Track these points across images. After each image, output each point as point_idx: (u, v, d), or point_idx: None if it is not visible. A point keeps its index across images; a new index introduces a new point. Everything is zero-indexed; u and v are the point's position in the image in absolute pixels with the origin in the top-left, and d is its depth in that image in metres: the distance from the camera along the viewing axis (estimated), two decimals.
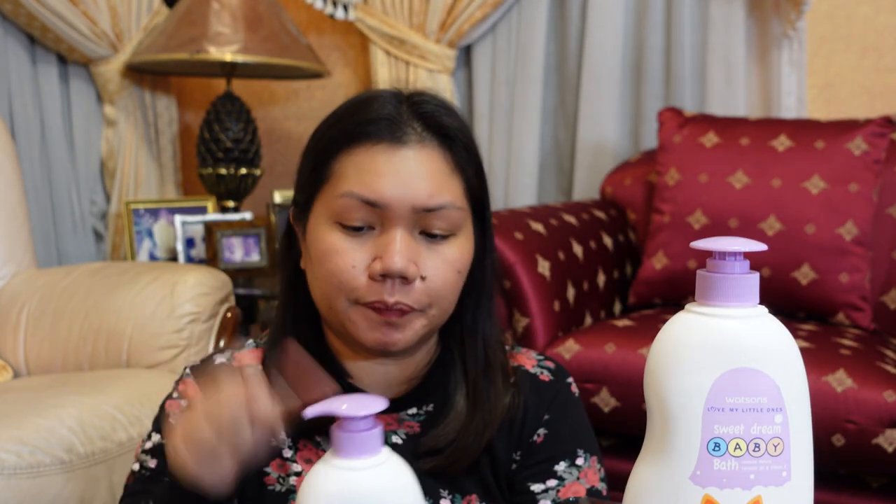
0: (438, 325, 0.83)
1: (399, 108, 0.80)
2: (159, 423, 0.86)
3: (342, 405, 0.58)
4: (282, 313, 0.88)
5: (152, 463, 0.84)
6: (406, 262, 0.76)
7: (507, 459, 0.87)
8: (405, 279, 0.76)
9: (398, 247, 0.76)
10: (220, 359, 0.89)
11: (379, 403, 0.58)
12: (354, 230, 0.78)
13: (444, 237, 0.79)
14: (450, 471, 0.84)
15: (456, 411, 0.84)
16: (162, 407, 0.88)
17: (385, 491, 0.58)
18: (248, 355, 0.89)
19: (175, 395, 0.88)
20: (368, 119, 0.79)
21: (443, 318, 0.82)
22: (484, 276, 0.86)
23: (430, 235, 0.78)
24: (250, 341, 0.92)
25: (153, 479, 0.83)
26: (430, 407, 0.87)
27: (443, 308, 0.80)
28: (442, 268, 0.78)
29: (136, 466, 0.86)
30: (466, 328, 0.86)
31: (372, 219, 0.77)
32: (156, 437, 0.86)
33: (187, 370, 0.90)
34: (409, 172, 0.77)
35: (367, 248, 0.77)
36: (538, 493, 0.85)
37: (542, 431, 0.87)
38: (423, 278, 0.77)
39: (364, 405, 0.58)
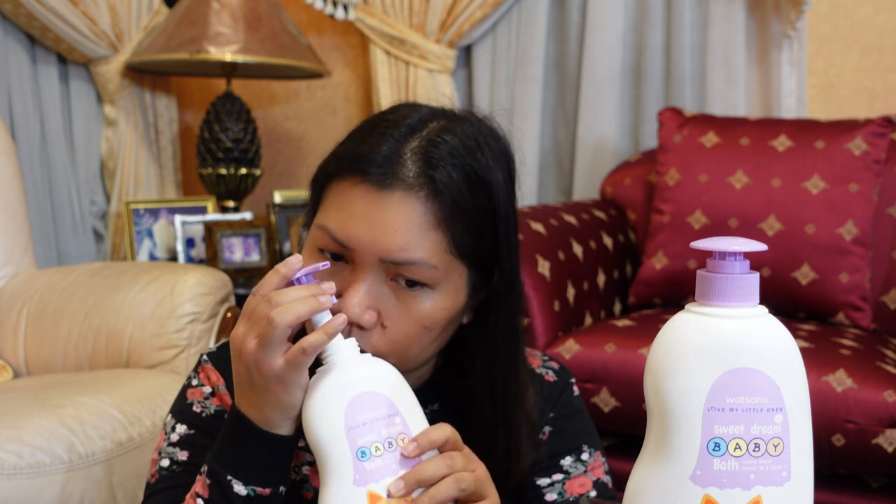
0: (405, 369, 0.77)
1: (402, 145, 0.74)
2: (184, 414, 0.85)
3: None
4: None
5: (183, 455, 0.83)
6: (362, 310, 0.73)
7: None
8: (361, 327, 0.74)
9: (357, 294, 0.73)
10: None
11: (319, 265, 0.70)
12: (333, 257, 0.76)
13: (419, 286, 0.75)
14: None
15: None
16: (182, 396, 0.87)
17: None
18: None
19: (195, 382, 0.87)
20: (360, 155, 0.75)
21: (408, 365, 0.77)
22: (500, 326, 0.82)
23: (401, 282, 0.75)
24: None
25: (187, 472, 0.81)
26: (436, 406, 0.87)
27: (406, 358, 0.77)
28: (405, 320, 0.75)
29: (166, 462, 0.83)
30: (478, 377, 0.83)
31: (346, 253, 0.75)
32: (181, 429, 0.84)
33: (204, 357, 0.88)
34: (384, 222, 0.73)
35: (338, 280, 0.75)
36: (544, 487, 0.86)
37: (547, 429, 0.88)
38: (384, 326, 0.75)
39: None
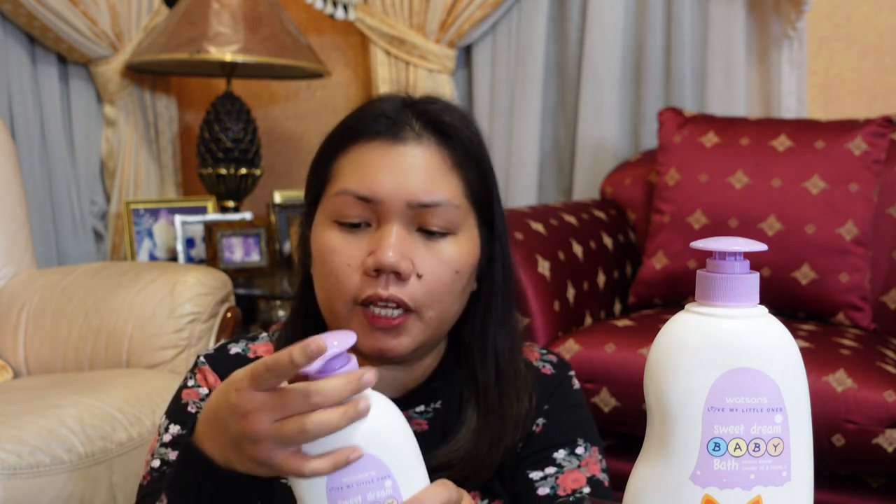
0: (438, 331, 0.80)
1: (401, 108, 0.80)
2: (178, 415, 0.85)
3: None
4: (293, 317, 0.88)
5: (173, 455, 0.82)
6: (399, 256, 0.74)
7: (511, 454, 0.87)
8: (399, 275, 0.75)
9: (391, 241, 0.75)
10: (235, 349, 0.89)
11: (346, 339, 0.61)
12: (351, 227, 0.77)
13: (443, 235, 0.78)
14: (466, 485, 0.83)
15: (468, 427, 0.83)
16: (178, 397, 0.86)
17: (373, 428, 0.61)
18: (262, 348, 0.89)
19: (191, 383, 0.86)
20: (366, 116, 0.79)
21: (442, 322, 0.80)
22: (493, 282, 0.84)
23: (427, 232, 0.77)
24: (264, 334, 0.92)
25: None
26: (438, 404, 0.87)
27: (440, 311, 0.78)
28: (438, 266, 0.77)
29: (157, 463, 0.83)
30: (475, 336, 0.85)
31: (368, 215, 0.77)
32: (174, 429, 0.84)
33: (202, 358, 0.88)
34: (405, 168, 0.76)
35: (362, 244, 0.77)
36: (537, 481, 0.85)
37: (541, 421, 0.88)
38: (419, 276, 0.76)
39: (331, 342, 0.60)
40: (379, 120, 0.78)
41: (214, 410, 0.64)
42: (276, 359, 0.58)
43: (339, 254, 0.77)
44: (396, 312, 0.76)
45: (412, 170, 0.76)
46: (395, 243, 0.75)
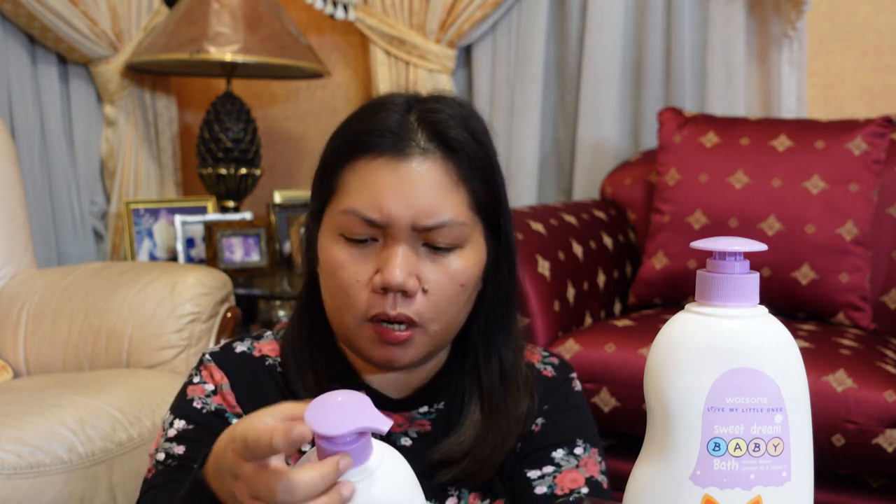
0: (444, 341, 0.82)
1: (406, 117, 0.79)
2: (183, 410, 0.85)
3: (324, 419, 0.55)
4: (298, 316, 0.88)
5: (179, 449, 0.82)
6: (406, 276, 0.76)
7: (511, 454, 0.87)
8: (405, 292, 0.77)
9: (398, 261, 0.76)
10: (240, 347, 0.89)
11: (364, 417, 0.55)
12: (358, 242, 0.78)
13: (449, 249, 0.79)
14: (468, 484, 0.84)
15: (471, 421, 0.84)
16: (183, 393, 0.86)
17: (376, 499, 0.57)
18: (267, 346, 0.90)
19: (197, 380, 0.87)
20: (371, 130, 0.78)
21: (447, 333, 0.82)
22: (499, 285, 0.85)
23: (433, 247, 0.78)
24: (269, 333, 0.92)
25: (183, 467, 0.81)
26: (441, 405, 0.87)
27: (445, 323, 0.80)
28: (444, 281, 0.78)
29: (161, 456, 0.83)
30: (479, 337, 0.86)
31: (374, 232, 0.78)
32: (179, 424, 0.84)
33: (207, 356, 0.88)
34: (410, 188, 0.76)
35: (370, 260, 0.78)
36: (534, 480, 0.85)
37: (540, 421, 0.88)
38: (424, 291, 0.78)
39: (347, 419, 0.55)
40: (385, 135, 0.78)
41: (219, 458, 0.63)
42: (257, 438, 0.55)
43: (347, 269, 0.78)
44: (403, 327, 0.78)
45: (417, 189, 0.77)
46: (402, 262, 0.76)
